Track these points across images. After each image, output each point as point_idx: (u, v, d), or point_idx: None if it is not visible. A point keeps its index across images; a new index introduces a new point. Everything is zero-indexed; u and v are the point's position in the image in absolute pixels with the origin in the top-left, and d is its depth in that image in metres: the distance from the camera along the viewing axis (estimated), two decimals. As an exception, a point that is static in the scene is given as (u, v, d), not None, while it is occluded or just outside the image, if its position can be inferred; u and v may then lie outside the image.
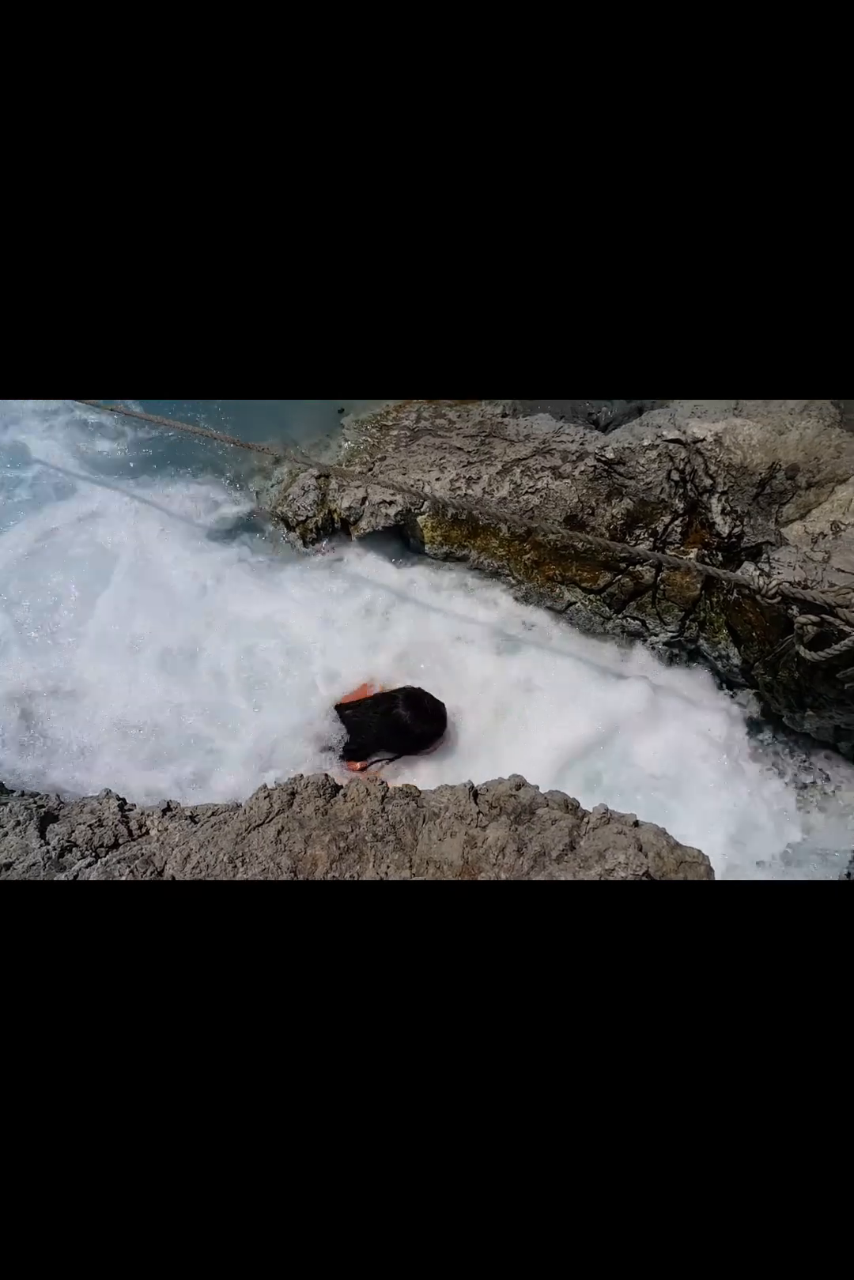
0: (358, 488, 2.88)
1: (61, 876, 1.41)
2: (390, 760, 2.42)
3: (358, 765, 2.41)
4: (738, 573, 2.16)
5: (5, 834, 1.57)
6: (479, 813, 1.50)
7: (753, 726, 2.59)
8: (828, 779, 2.48)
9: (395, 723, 2.38)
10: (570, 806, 1.53)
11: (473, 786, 1.58)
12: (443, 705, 2.43)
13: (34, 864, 1.49)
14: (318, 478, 2.96)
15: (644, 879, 1.12)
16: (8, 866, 1.47)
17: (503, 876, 1.28)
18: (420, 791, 1.66)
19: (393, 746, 2.41)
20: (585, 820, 1.44)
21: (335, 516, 2.93)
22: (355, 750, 2.42)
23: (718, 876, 1.41)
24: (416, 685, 2.47)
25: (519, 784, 1.58)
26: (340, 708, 2.49)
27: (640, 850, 1.26)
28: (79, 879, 1.42)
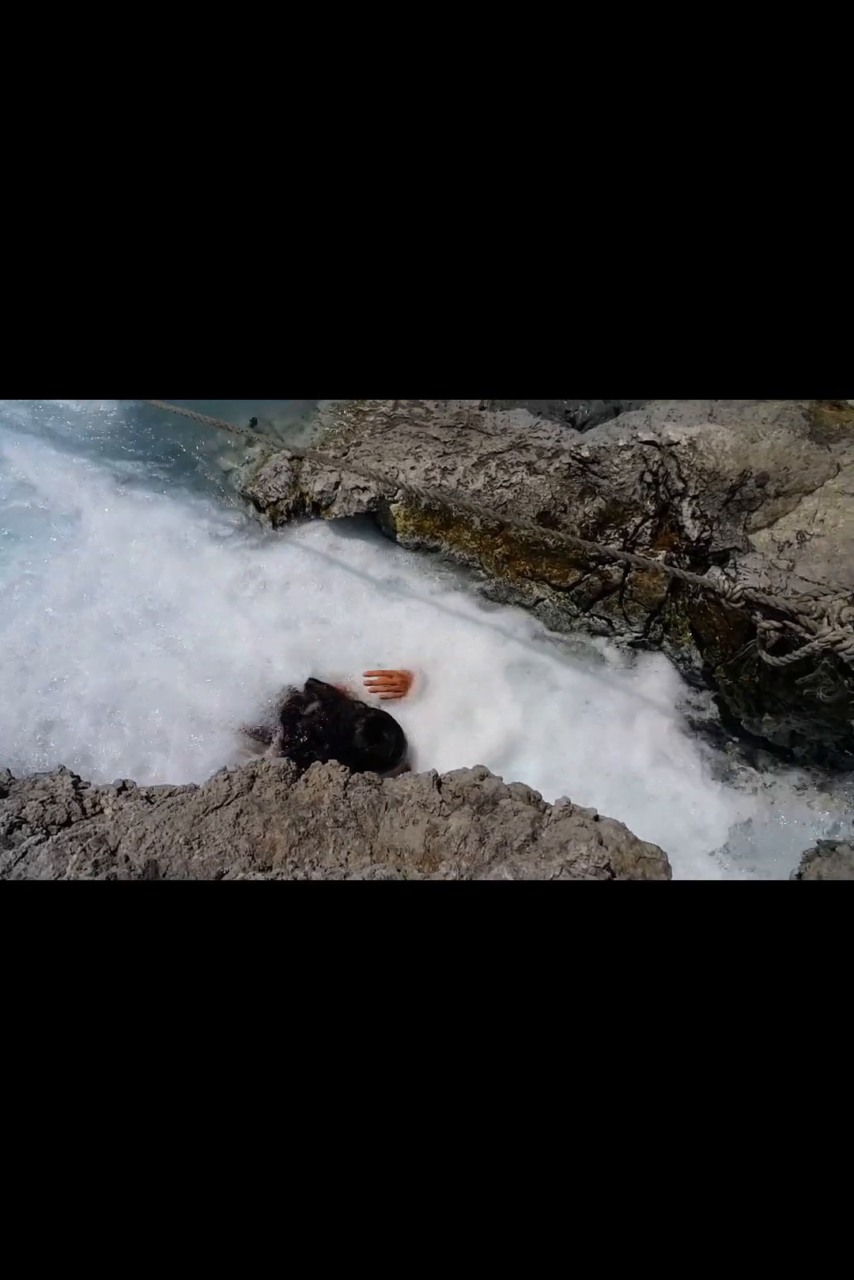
0: (331, 472, 2.84)
1: (10, 853, 1.37)
2: None
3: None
4: (705, 576, 2.20)
5: (-50, 808, 1.52)
6: (442, 801, 1.49)
7: (711, 729, 2.64)
8: (782, 783, 2.54)
9: (347, 737, 2.23)
10: (533, 798, 1.54)
11: (437, 775, 1.58)
12: (404, 746, 2.31)
13: (-20, 839, 1.44)
14: (290, 459, 2.91)
15: (605, 871, 1.13)
16: (-48, 840, 1.41)
17: (464, 866, 1.28)
18: (382, 779, 1.65)
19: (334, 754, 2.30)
20: (547, 812, 1.45)
21: (307, 500, 2.89)
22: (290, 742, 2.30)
23: (674, 873, 1.43)
24: (386, 711, 2.41)
25: (483, 774, 1.58)
26: (314, 682, 2.44)
27: (601, 844, 1.27)
28: (28, 856, 1.38)
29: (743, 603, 2.01)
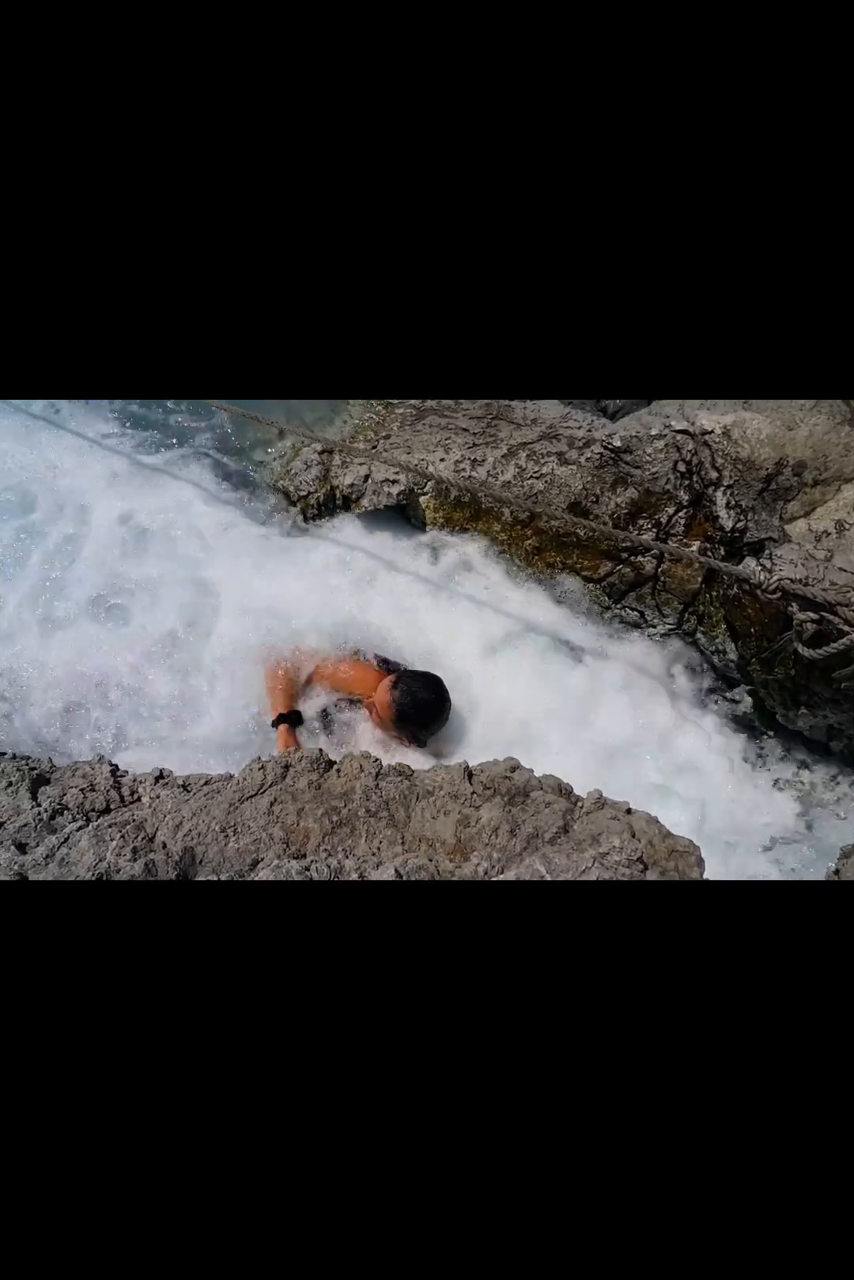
0: (361, 465, 2.85)
1: (53, 838, 1.41)
2: None
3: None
4: (740, 567, 2.16)
5: (-3, 793, 1.57)
6: (473, 793, 1.50)
7: (746, 722, 2.60)
8: (818, 778, 2.50)
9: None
10: (564, 791, 1.53)
11: (467, 767, 1.58)
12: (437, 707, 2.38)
13: (25, 824, 1.48)
14: (321, 453, 2.93)
15: (639, 863, 1.13)
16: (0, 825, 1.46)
17: (496, 856, 1.29)
18: (414, 770, 1.65)
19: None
20: (579, 805, 1.44)
21: (337, 493, 2.91)
22: None
23: (706, 870, 1.41)
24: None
25: (514, 766, 1.58)
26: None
27: (634, 836, 1.26)
28: (69, 841, 1.42)
29: (779, 594, 1.98)
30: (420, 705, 2.24)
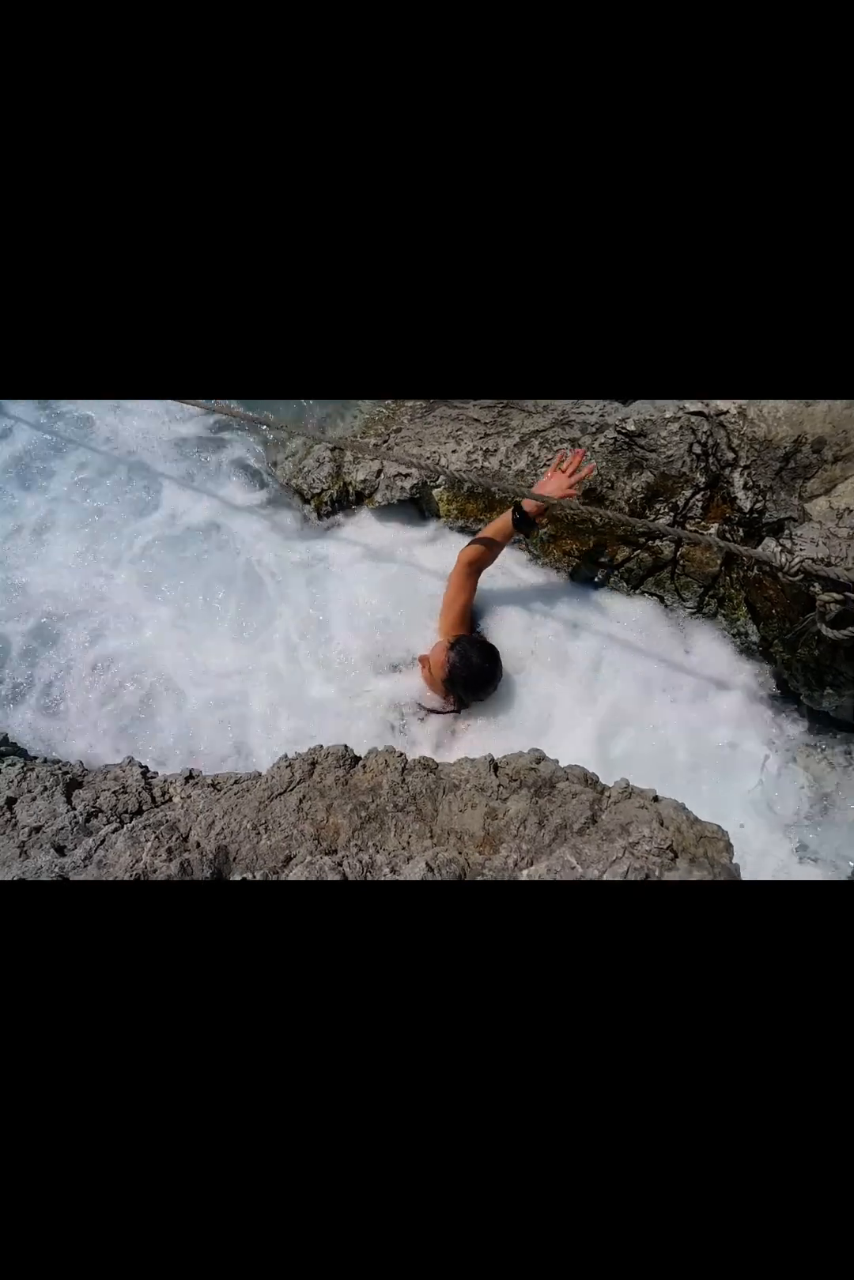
0: (373, 461, 2.86)
1: (90, 840, 1.44)
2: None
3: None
4: (759, 549, 2.14)
5: (34, 798, 1.60)
6: (499, 785, 1.51)
7: (770, 704, 2.58)
8: (845, 758, 2.48)
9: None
10: (590, 780, 1.54)
11: (493, 759, 1.59)
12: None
13: (62, 828, 1.52)
14: (332, 450, 2.94)
15: (668, 851, 1.13)
16: (38, 829, 1.49)
17: (525, 848, 1.30)
18: (438, 764, 1.67)
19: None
20: (606, 794, 1.45)
21: (350, 489, 2.92)
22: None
23: (735, 853, 1.41)
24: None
25: (539, 758, 1.59)
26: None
27: (662, 824, 1.27)
28: (106, 843, 1.45)
29: (800, 575, 1.96)
30: (472, 669, 2.35)
